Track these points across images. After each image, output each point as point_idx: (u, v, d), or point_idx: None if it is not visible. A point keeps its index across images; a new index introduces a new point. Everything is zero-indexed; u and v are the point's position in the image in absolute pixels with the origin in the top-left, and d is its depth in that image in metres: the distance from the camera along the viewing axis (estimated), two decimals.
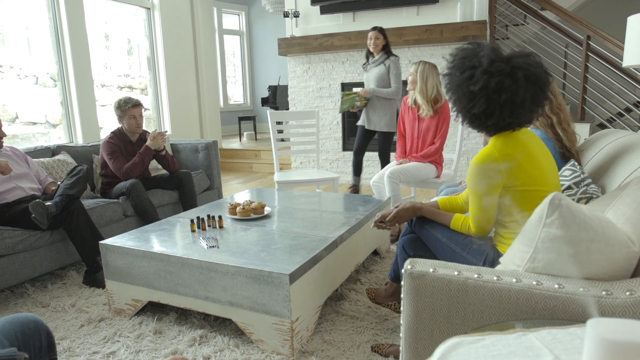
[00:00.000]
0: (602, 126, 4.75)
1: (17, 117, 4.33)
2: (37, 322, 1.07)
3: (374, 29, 3.62)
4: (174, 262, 1.92)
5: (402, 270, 1.16)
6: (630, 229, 1.09)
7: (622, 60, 3.99)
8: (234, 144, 7.36)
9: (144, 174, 3.26)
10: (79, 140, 4.64)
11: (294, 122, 5.16)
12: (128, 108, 3.05)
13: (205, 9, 6.18)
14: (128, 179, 3.02)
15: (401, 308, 1.19)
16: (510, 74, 1.29)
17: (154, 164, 3.58)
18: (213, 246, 1.99)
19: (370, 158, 5.14)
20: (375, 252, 2.77)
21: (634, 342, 0.62)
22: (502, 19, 5.01)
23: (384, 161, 3.79)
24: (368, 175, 5.18)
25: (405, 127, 3.29)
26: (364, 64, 3.78)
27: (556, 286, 1.03)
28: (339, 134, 5.25)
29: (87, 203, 2.76)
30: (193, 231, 2.22)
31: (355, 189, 3.96)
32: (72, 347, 1.86)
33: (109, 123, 5.12)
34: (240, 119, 8.07)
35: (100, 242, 2.13)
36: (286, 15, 5.18)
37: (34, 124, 4.47)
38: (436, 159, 3.19)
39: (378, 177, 3.07)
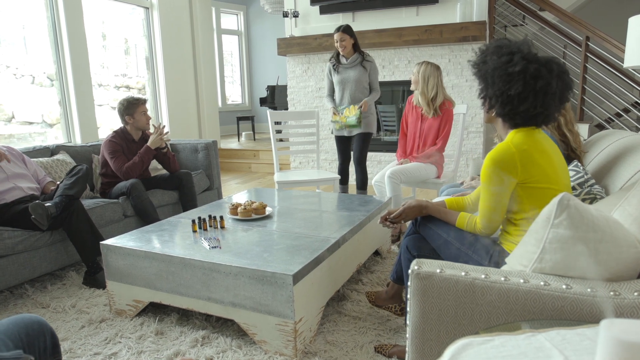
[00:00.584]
0: (600, 127, 4.76)
1: (13, 117, 4.31)
2: (41, 323, 1.06)
3: (338, 30, 3.41)
4: (176, 262, 1.91)
5: (409, 271, 1.15)
6: (638, 229, 1.09)
7: (620, 61, 4.00)
8: (232, 144, 7.34)
9: (144, 174, 3.25)
10: (77, 140, 4.62)
11: (294, 122, 5.16)
12: (139, 105, 3.10)
13: (203, 8, 6.17)
14: (128, 178, 3.01)
15: (407, 309, 1.18)
16: (546, 65, 1.35)
17: (154, 164, 3.56)
18: (215, 247, 1.98)
19: (370, 158, 5.14)
20: (377, 253, 2.76)
21: None
22: (501, 19, 5.02)
23: (362, 168, 3.60)
24: (368, 175, 5.17)
25: (407, 126, 3.29)
26: (334, 65, 3.54)
27: (564, 287, 1.02)
28: None
29: (86, 203, 2.74)
30: (194, 231, 2.21)
31: None
32: (74, 349, 1.85)
33: (106, 123, 5.10)
34: (239, 119, 8.05)
35: (101, 242, 2.12)
36: (285, 15, 5.17)
37: (31, 123, 4.45)
38: (437, 160, 3.19)
39: (380, 176, 3.06)
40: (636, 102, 4.42)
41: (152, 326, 1.99)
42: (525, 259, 1.13)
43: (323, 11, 5.01)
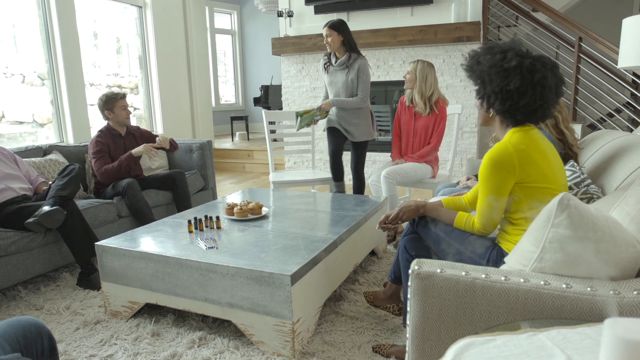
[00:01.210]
0: (592, 127, 4.81)
1: (3, 116, 4.25)
2: (38, 326, 1.04)
3: (326, 25, 3.11)
4: (173, 263, 1.89)
5: (410, 271, 1.15)
6: (636, 228, 1.09)
7: (612, 62, 4.04)
8: (226, 143, 7.31)
9: (138, 174, 3.23)
10: (70, 140, 4.57)
11: (288, 122, 5.14)
12: (118, 99, 3.07)
13: (197, 7, 6.14)
14: (104, 181, 3.01)
15: (407, 309, 1.18)
16: (539, 59, 1.38)
17: (147, 163, 3.53)
18: (212, 247, 1.97)
19: (367, 157, 5.14)
20: (373, 253, 2.77)
21: None
22: (494, 20, 5.05)
23: (360, 175, 3.38)
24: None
25: (401, 126, 3.29)
26: (325, 63, 3.28)
27: (564, 286, 1.03)
28: None
29: (80, 203, 2.71)
30: (190, 232, 2.20)
31: None
32: (69, 351, 1.83)
33: (98, 122, 5.05)
34: (233, 118, 8.02)
35: (96, 243, 2.09)
36: (280, 14, 5.16)
37: (21, 123, 4.39)
38: (432, 159, 3.20)
39: (376, 176, 3.06)
40: (628, 103, 4.47)
41: (148, 327, 1.98)
42: (525, 258, 1.14)
43: (318, 11, 5.00)
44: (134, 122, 5.62)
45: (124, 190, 2.90)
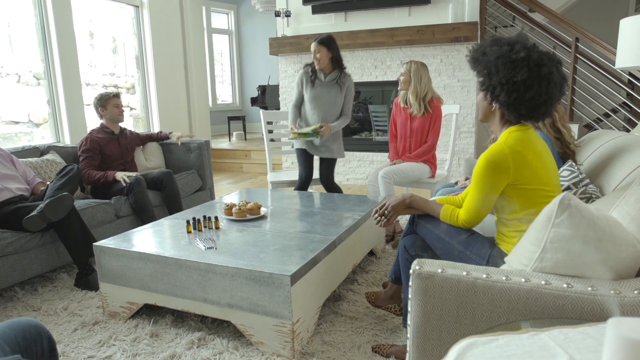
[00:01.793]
0: (588, 127, 4.83)
1: None
2: (38, 327, 1.03)
3: (316, 40, 3.06)
4: (171, 263, 1.89)
5: (410, 271, 1.15)
6: (636, 228, 1.10)
7: (608, 62, 4.06)
8: (223, 143, 7.30)
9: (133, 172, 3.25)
10: (66, 140, 4.55)
11: (285, 122, 5.14)
12: (111, 97, 3.18)
13: (194, 7, 6.12)
14: (84, 182, 3.06)
15: (408, 309, 1.18)
16: (547, 54, 1.37)
17: (141, 161, 3.52)
18: (211, 247, 1.96)
19: (362, 158, 5.15)
20: (371, 253, 2.77)
21: None
22: (491, 20, 5.07)
23: (333, 186, 3.30)
24: (360, 175, 5.19)
25: (397, 128, 3.29)
26: (312, 76, 3.15)
27: (565, 286, 1.03)
28: None
29: (77, 204, 2.70)
30: (189, 232, 2.19)
31: None
32: (67, 352, 1.82)
33: (94, 122, 5.03)
34: (230, 118, 8.01)
35: (94, 243, 2.08)
36: (277, 14, 5.16)
37: (17, 123, 4.37)
38: (429, 159, 3.20)
39: (373, 177, 3.06)
40: (624, 103, 4.49)
41: (146, 328, 1.97)
42: (525, 258, 1.14)
43: (315, 11, 5.00)
44: (130, 121, 5.61)
45: (131, 186, 2.93)
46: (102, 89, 5.27)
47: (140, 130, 5.65)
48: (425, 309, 1.15)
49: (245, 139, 7.84)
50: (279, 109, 6.15)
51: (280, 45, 5.13)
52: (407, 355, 1.21)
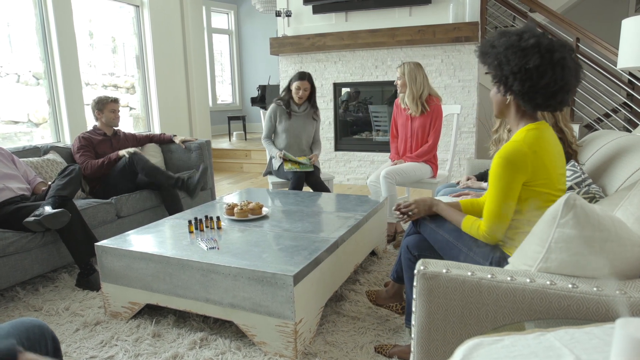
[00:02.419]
0: (589, 127, 4.83)
1: None
2: (42, 327, 1.03)
3: (303, 78, 3.27)
4: (174, 263, 1.89)
5: (415, 271, 1.15)
6: None
7: (609, 62, 4.06)
8: (223, 143, 7.29)
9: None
10: (67, 139, 4.54)
11: None
12: (109, 102, 3.23)
13: (194, 6, 6.12)
14: (88, 175, 3.11)
15: (413, 309, 1.18)
16: (558, 41, 1.33)
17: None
18: (213, 247, 1.96)
19: (363, 158, 5.15)
20: (373, 253, 2.76)
21: None
22: (492, 20, 5.07)
23: (324, 187, 3.29)
24: (360, 175, 5.19)
25: (398, 128, 3.29)
26: (286, 110, 3.36)
27: (570, 286, 1.03)
28: (331, 134, 5.25)
29: (79, 204, 2.69)
30: (191, 232, 2.19)
31: None
32: (69, 352, 1.82)
33: (94, 122, 5.02)
34: (230, 118, 8.00)
35: (96, 244, 2.08)
36: (278, 14, 5.15)
37: (16, 122, 4.36)
38: (430, 159, 3.20)
39: (375, 177, 3.06)
40: (624, 103, 4.49)
41: (148, 328, 1.96)
42: (530, 258, 1.14)
43: (316, 11, 5.00)
44: (130, 121, 5.60)
45: (131, 160, 3.02)
46: (102, 89, 5.27)
47: (140, 130, 5.65)
48: (429, 309, 1.15)
49: (246, 139, 7.83)
50: None
51: (281, 45, 5.12)
52: (412, 355, 1.21)
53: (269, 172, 3.51)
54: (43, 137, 4.55)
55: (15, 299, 2.33)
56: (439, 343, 1.16)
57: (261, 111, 3.70)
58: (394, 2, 4.64)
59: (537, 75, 1.31)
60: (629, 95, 4.47)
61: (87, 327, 2.02)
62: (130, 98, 5.64)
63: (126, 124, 5.52)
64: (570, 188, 1.64)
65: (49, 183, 2.63)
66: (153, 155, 3.63)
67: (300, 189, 3.21)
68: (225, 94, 9.36)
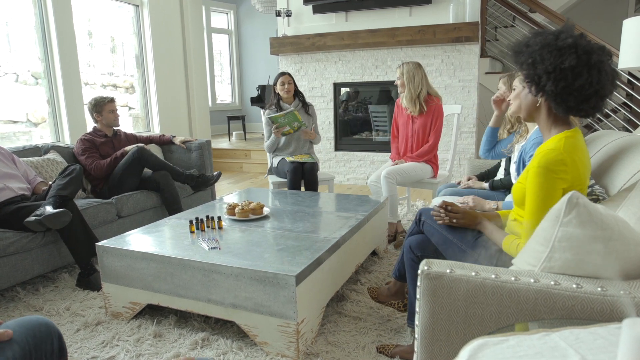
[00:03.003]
0: (588, 127, 4.84)
1: None
2: (48, 326, 1.03)
3: (283, 74, 3.44)
4: (175, 263, 1.88)
5: (419, 271, 1.15)
6: None
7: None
8: (222, 143, 7.28)
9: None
10: (66, 139, 4.53)
11: None
12: (107, 103, 3.22)
13: (194, 6, 6.11)
14: (97, 175, 3.12)
15: (416, 309, 1.18)
16: (596, 43, 1.27)
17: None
18: (214, 247, 1.96)
19: (363, 158, 5.15)
20: (374, 253, 2.76)
21: None
22: (492, 20, 5.07)
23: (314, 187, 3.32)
24: (360, 175, 5.19)
25: (398, 128, 3.29)
26: (276, 110, 3.41)
27: (574, 286, 1.03)
28: (332, 134, 5.25)
29: (79, 203, 2.68)
30: (192, 232, 2.19)
31: None
32: (70, 352, 1.81)
33: (93, 122, 5.01)
34: (229, 118, 8.00)
35: (97, 244, 2.08)
36: (278, 14, 5.15)
37: (15, 122, 4.35)
38: (431, 159, 3.20)
39: (375, 177, 3.06)
40: (624, 103, 4.50)
41: (150, 329, 1.96)
42: (533, 258, 1.14)
43: (316, 11, 5.00)
44: (130, 121, 5.59)
45: (136, 154, 3.04)
46: (101, 89, 5.26)
47: (140, 130, 5.64)
48: (433, 310, 1.15)
49: (245, 139, 7.83)
50: None
51: (281, 45, 5.12)
52: (415, 355, 1.21)
53: (270, 172, 3.51)
54: (42, 136, 4.54)
55: (16, 299, 2.33)
56: (442, 343, 1.16)
57: (261, 111, 3.70)
58: (394, 2, 4.65)
59: (572, 76, 1.24)
60: (628, 95, 4.47)
61: (88, 327, 2.02)
62: (129, 98, 5.64)
63: (126, 124, 5.51)
64: None
65: (50, 183, 2.63)
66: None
67: (298, 183, 3.23)
68: (224, 94, 9.35)
